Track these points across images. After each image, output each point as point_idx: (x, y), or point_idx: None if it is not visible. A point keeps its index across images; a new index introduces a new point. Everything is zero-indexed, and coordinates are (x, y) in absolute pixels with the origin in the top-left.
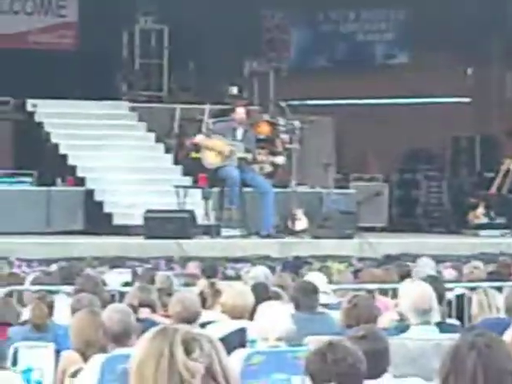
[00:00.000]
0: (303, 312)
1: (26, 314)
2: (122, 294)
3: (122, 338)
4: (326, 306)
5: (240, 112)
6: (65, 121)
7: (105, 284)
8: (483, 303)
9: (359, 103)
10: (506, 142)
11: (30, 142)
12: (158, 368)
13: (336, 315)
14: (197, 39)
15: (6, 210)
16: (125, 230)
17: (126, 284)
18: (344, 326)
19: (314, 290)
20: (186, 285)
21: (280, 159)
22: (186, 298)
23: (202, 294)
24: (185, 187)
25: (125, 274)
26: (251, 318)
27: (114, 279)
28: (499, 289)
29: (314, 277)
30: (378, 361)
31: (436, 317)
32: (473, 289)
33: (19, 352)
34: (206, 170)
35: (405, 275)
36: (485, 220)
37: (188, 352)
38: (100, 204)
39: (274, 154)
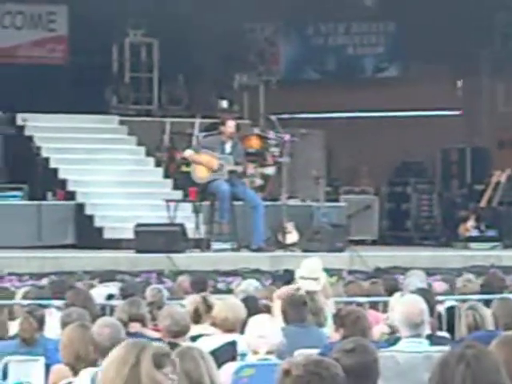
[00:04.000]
0: (293, 325)
1: (14, 328)
2: (113, 308)
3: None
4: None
5: (231, 125)
6: (55, 135)
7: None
8: (477, 319)
9: (349, 116)
10: (496, 155)
11: (20, 156)
12: (118, 373)
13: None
14: (187, 53)
15: None
16: (115, 244)
17: (110, 297)
18: (338, 338)
19: (302, 303)
20: (176, 299)
21: (270, 169)
22: (176, 311)
23: (196, 310)
24: (175, 201)
25: (111, 288)
26: (242, 331)
27: (100, 293)
28: (489, 301)
29: (312, 261)
30: (367, 374)
31: (427, 329)
32: (464, 301)
33: (9, 366)
34: (196, 184)
35: (391, 289)
36: (475, 233)
37: (158, 366)
38: (91, 218)
39: (264, 167)
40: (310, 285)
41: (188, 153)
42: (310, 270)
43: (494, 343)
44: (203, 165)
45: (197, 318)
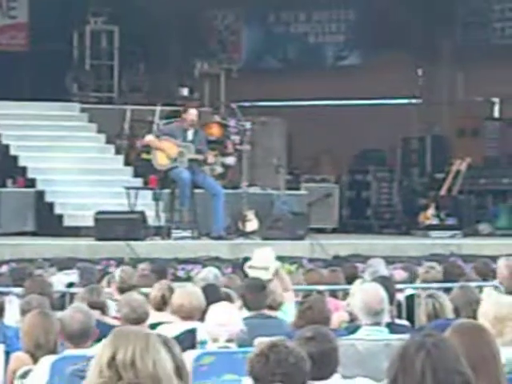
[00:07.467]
0: (253, 313)
1: None
2: (72, 296)
3: (79, 338)
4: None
5: (192, 113)
6: (15, 122)
7: (51, 286)
8: (436, 307)
9: (310, 104)
10: (456, 143)
11: None
12: None
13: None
14: (147, 40)
15: None
16: (75, 232)
17: (70, 285)
18: (297, 327)
19: (261, 288)
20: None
21: (230, 160)
22: (133, 299)
23: (163, 297)
24: (135, 188)
25: (71, 275)
26: (202, 319)
27: (60, 280)
28: (449, 289)
29: (263, 250)
30: (327, 361)
31: (386, 318)
32: (424, 289)
33: None
34: (156, 172)
35: (351, 276)
36: (435, 221)
37: None
38: (51, 205)
39: (224, 155)
40: (259, 274)
41: (149, 138)
42: (260, 260)
43: (449, 331)
44: (164, 151)
45: (163, 304)
